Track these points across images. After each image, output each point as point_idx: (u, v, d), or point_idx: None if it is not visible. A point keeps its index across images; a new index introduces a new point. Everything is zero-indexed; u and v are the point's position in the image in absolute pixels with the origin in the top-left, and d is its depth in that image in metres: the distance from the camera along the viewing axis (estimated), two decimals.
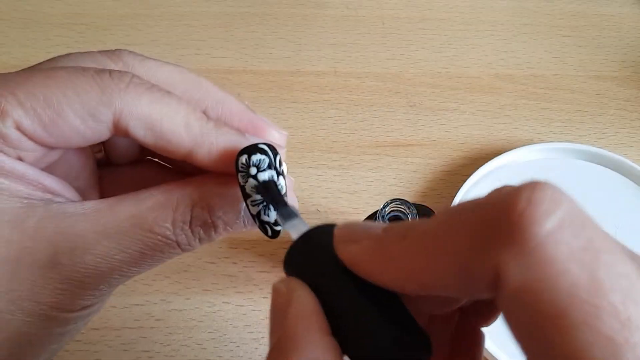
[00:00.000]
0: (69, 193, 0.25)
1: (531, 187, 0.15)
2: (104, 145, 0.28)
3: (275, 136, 0.27)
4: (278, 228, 0.25)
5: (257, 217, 0.24)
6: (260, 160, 0.24)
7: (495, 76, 0.58)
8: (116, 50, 0.27)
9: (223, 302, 0.46)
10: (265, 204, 0.24)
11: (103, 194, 0.28)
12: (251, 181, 0.24)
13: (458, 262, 0.16)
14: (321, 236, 0.20)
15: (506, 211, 0.15)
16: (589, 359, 0.13)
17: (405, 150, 0.53)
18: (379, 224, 0.18)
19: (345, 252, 0.18)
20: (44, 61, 0.26)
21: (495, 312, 0.21)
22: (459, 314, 0.22)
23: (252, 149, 0.24)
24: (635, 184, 0.50)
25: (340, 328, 0.18)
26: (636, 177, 0.50)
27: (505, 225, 0.15)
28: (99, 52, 0.26)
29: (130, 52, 0.27)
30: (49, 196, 0.24)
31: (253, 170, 0.24)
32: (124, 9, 0.63)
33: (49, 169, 0.25)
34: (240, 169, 0.24)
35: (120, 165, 0.29)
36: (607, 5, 0.63)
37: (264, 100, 0.56)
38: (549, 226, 0.14)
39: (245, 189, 0.24)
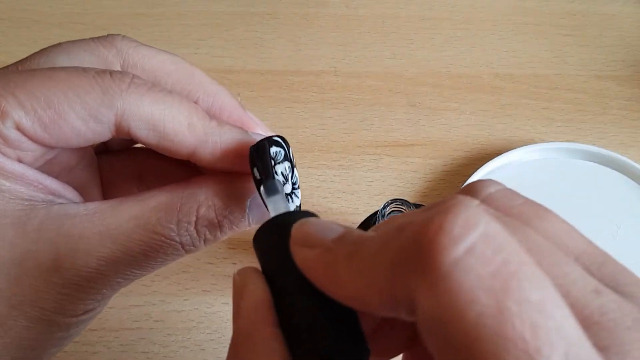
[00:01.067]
0: (70, 193, 0.25)
1: (445, 211, 0.15)
2: None
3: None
4: None
5: None
6: (276, 152, 0.24)
7: (496, 76, 0.58)
8: (109, 35, 0.26)
9: (222, 303, 0.45)
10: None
11: (103, 182, 0.28)
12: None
13: (387, 288, 0.16)
14: (286, 227, 0.20)
15: (418, 238, 0.15)
16: None
17: (405, 150, 0.53)
18: (334, 227, 0.18)
19: (299, 255, 0.18)
20: (35, 53, 0.25)
21: None
22: None
23: (269, 142, 0.24)
24: (637, 183, 0.50)
25: (285, 321, 0.18)
26: (638, 177, 0.50)
27: (417, 253, 0.14)
28: (92, 39, 0.26)
29: (124, 37, 0.26)
30: (50, 197, 0.23)
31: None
32: (123, 8, 0.62)
33: (47, 165, 0.25)
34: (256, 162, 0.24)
35: (118, 151, 0.29)
36: (609, 4, 0.63)
37: (263, 100, 0.56)
38: (457, 253, 0.14)
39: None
